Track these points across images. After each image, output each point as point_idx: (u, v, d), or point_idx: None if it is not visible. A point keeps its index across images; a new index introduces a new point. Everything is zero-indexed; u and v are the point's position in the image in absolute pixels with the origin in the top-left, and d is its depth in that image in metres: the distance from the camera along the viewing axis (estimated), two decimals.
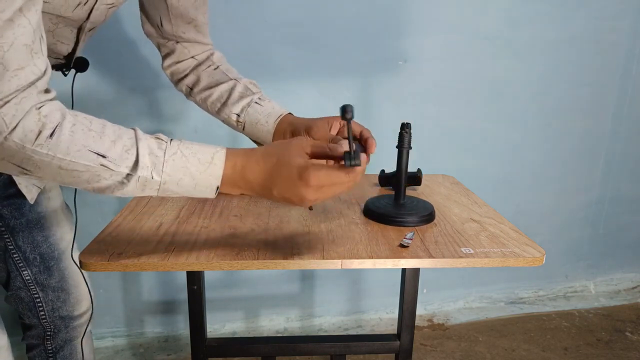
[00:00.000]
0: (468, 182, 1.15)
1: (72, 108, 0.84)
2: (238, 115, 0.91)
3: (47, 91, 0.56)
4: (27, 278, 0.92)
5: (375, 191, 1.06)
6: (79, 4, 0.71)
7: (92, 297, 1.03)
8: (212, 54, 0.97)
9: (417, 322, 1.82)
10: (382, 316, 1.87)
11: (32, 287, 0.93)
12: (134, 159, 0.57)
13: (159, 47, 0.97)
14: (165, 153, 0.59)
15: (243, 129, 0.93)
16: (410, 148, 0.87)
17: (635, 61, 1.78)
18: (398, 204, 0.89)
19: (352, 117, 0.57)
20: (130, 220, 0.85)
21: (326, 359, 1.61)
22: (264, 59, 1.52)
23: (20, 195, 0.87)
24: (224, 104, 0.92)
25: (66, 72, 0.85)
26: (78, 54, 0.84)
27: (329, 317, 1.84)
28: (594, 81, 1.77)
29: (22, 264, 0.91)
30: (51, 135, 0.53)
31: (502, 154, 1.79)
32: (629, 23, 1.72)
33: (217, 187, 0.62)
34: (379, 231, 0.82)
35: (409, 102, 1.66)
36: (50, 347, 1.00)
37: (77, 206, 1.45)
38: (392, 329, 1.80)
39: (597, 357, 1.66)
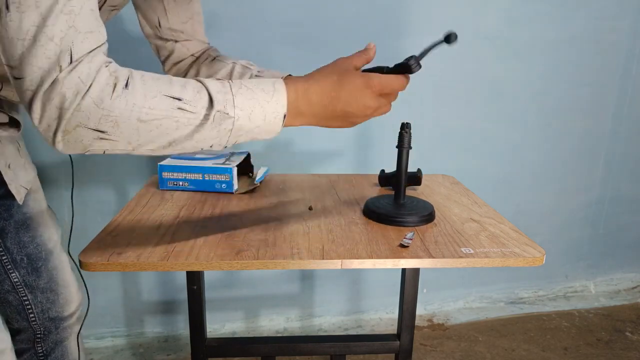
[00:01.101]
0: (468, 182, 1.15)
1: None
2: None
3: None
4: (15, 280, 0.91)
5: (375, 191, 1.06)
6: None
7: (88, 295, 1.01)
8: (208, 49, 0.98)
9: (417, 322, 1.82)
10: (382, 316, 1.87)
11: (20, 289, 0.92)
12: (207, 98, 0.58)
13: (157, 50, 0.97)
14: (231, 89, 0.60)
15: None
16: (410, 148, 0.87)
17: (635, 61, 1.78)
18: (398, 204, 0.89)
19: (449, 43, 0.67)
20: (130, 220, 0.85)
21: (326, 359, 1.61)
22: (264, 59, 1.51)
23: (8, 196, 0.85)
24: None
25: None
26: None
27: (329, 317, 1.83)
28: (594, 81, 1.77)
29: (10, 267, 0.90)
30: (126, 85, 0.54)
31: (502, 154, 1.79)
32: (629, 23, 1.72)
33: (284, 116, 0.63)
34: (379, 231, 0.82)
35: (409, 102, 1.66)
36: (41, 350, 0.99)
37: (76, 206, 1.46)
38: (392, 329, 1.80)
39: (597, 357, 1.66)
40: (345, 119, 0.68)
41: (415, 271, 1.17)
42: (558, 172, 1.86)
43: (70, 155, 1.15)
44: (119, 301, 1.68)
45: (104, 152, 0.58)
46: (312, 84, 0.65)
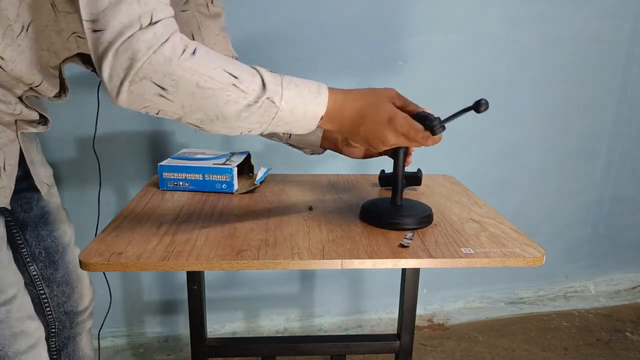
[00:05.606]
0: (468, 182, 1.15)
1: (98, 106, 0.90)
2: None
3: None
4: (33, 274, 0.93)
5: (375, 191, 1.06)
6: None
7: (111, 293, 1.03)
8: None
9: (417, 322, 1.82)
10: (382, 316, 1.87)
11: (38, 282, 0.94)
12: (260, 83, 0.63)
13: None
14: (282, 83, 0.65)
15: (289, 137, 0.98)
16: (407, 149, 0.85)
17: (635, 61, 1.78)
18: (395, 206, 0.87)
19: (480, 112, 0.70)
20: (130, 220, 0.85)
21: (326, 359, 1.61)
22: (264, 59, 1.52)
23: (30, 189, 0.88)
24: None
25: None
26: None
27: (329, 317, 1.84)
28: (594, 81, 1.77)
29: (29, 259, 0.92)
30: (193, 52, 0.60)
31: (502, 154, 1.79)
32: (629, 23, 1.72)
33: (321, 118, 0.68)
34: (379, 231, 0.82)
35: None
36: (54, 346, 1.00)
37: (77, 206, 1.46)
38: (392, 329, 1.80)
39: (597, 357, 1.66)
40: (367, 142, 0.71)
41: (415, 271, 1.17)
42: (558, 172, 1.86)
43: (96, 155, 1.17)
44: (119, 301, 1.68)
45: (158, 113, 0.62)
46: (349, 100, 0.70)
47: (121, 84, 0.58)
